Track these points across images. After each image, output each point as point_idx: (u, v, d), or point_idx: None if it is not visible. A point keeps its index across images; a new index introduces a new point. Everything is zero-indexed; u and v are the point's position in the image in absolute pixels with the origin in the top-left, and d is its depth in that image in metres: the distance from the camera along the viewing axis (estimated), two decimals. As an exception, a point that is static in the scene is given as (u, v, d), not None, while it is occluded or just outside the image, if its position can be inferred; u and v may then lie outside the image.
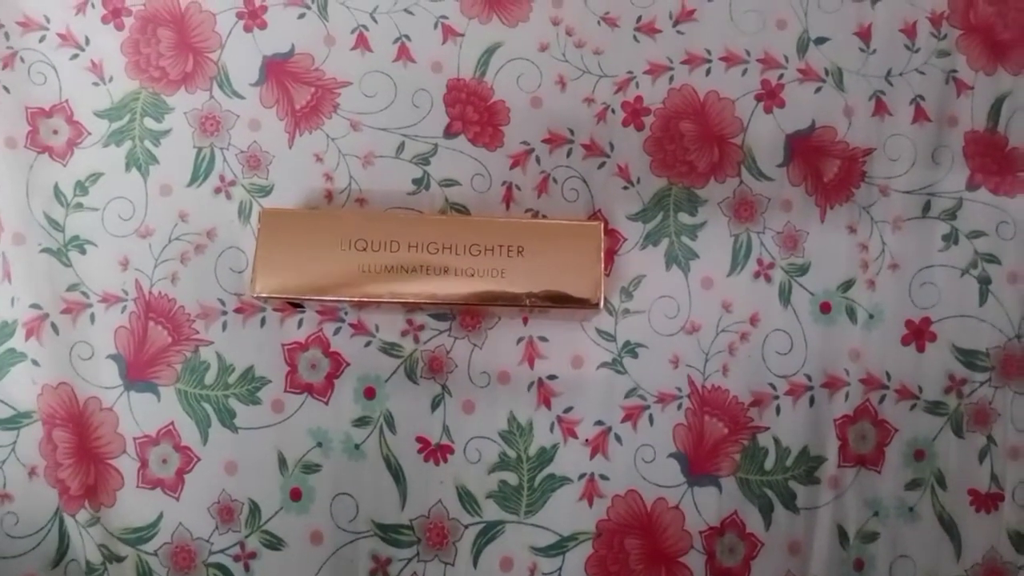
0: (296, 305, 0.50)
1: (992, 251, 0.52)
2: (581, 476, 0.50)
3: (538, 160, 0.52)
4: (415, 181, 0.52)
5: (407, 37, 0.53)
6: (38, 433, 0.49)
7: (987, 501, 0.51)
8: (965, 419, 0.51)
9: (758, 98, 0.53)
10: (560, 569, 0.49)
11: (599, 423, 0.50)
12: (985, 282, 0.52)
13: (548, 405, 0.50)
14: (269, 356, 0.50)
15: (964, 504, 0.51)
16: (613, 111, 0.53)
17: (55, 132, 0.51)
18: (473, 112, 0.52)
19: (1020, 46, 0.55)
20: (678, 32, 0.54)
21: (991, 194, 0.53)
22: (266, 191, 0.51)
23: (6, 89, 0.51)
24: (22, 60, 0.52)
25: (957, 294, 0.52)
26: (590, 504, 0.50)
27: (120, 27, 0.53)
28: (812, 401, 0.51)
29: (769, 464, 0.50)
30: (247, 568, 0.48)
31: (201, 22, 0.53)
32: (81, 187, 0.51)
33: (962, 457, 0.51)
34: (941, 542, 0.50)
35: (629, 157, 0.52)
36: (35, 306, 0.49)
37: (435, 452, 0.50)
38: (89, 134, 0.51)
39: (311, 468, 0.49)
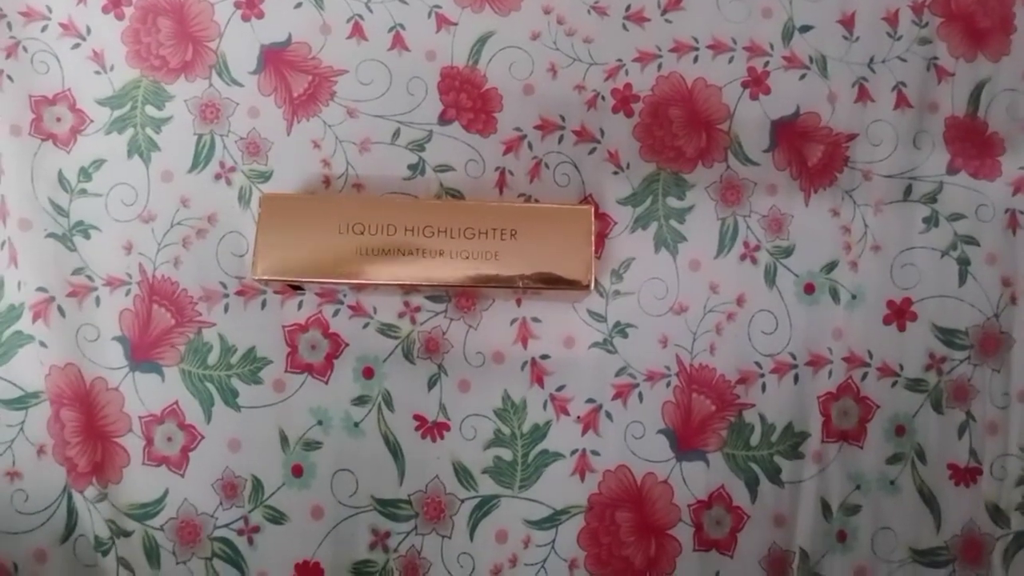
0: (296, 288, 0.51)
1: (971, 233, 0.54)
2: (573, 452, 0.51)
3: (530, 146, 0.54)
4: (411, 167, 0.53)
5: (402, 26, 0.54)
6: (46, 413, 0.50)
7: (966, 475, 0.52)
8: (945, 396, 0.53)
9: (744, 85, 0.55)
10: (553, 541, 0.51)
11: (590, 401, 0.52)
12: (964, 263, 0.54)
13: (541, 384, 0.52)
14: (270, 337, 0.51)
15: (944, 478, 0.52)
16: (603, 98, 0.54)
17: (58, 120, 0.52)
18: (467, 99, 0.54)
19: (999, 33, 0.57)
20: (666, 21, 0.55)
21: (971, 178, 0.55)
22: (265, 177, 0.52)
23: (10, 78, 0.52)
24: (25, 49, 0.53)
25: (937, 275, 0.54)
26: (582, 479, 0.51)
27: (121, 16, 0.54)
28: (796, 379, 0.52)
29: (755, 440, 0.52)
30: (251, 542, 0.50)
31: (200, 11, 0.54)
32: (85, 173, 0.52)
33: (942, 432, 0.53)
34: (921, 514, 0.52)
35: (619, 143, 0.54)
36: (42, 289, 0.51)
37: (432, 429, 0.51)
38: (92, 121, 0.53)
39: (312, 445, 0.50)
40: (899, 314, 0.53)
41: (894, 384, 0.53)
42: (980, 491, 0.52)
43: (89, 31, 0.53)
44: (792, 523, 0.52)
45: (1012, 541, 0.52)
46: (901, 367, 0.53)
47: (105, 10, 0.54)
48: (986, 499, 0.52)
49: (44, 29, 0.53)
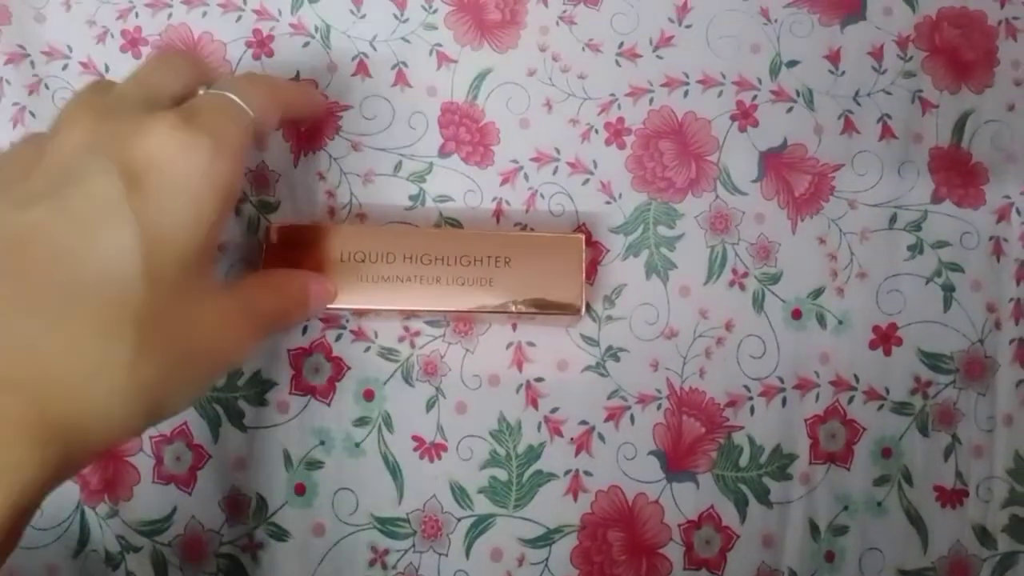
0: (300, 313, 0.53)
1: (956, 260, 0.56)
2: (566, 472, 0.53)
3: (526, 177, 0.56)
4: (411, 197, 0.55)
5: (404, 64, 0.57)
6: (61, 433, 0.52)
7: (952, 497, 0.54)
8: (930, 419, 0.54)
9: (733, 118, 0.57)
10: (547, 560, 0.52)
11: (583, 423, 0.53)
12: (949, 290, 0.55)
13: (536, 406, 0.53)
14: (275, 360, 0.53)
15: (930, 500, 0.54)
16: (596, 131, 0.56)
17: (78, 154, 0.55)
18: (466, 133, 0.56)
19: (983, 66, 0.58)
20: (658, 57, 0.57)
21: (955, 206, 0.56)
22: (273, 207, 0.55)
23: (32, 114, 0.55)
24: (47, 87, 0.56)
25: (922, 301, 0.55)
26: (575, 499, 0.53)
27: (137, 55, 0.56)
28: (784, 402, 0.54)
29: (744, 461, 0.53)
30: (255, 558, 0.52)
31: (212, 51, 0.57)
32: (102, 204, 0.54)
33: (928, 455, 0.54)
34: (909, 536, 0.53)
35: (611, 174, 0.56)
36: (59, 315, 0.53)
37: (430, 450, 0.53)
38: (109, 155, 0.55)
39: (314, 465, 0.52)
40: (885, 339, 0.55)
41: (880, 407, 0.54)
42: (967, 513, 0.53)
43: (107, 69, 0.56)
44: (781, 543, 0.53)
45: (999, 563, 0.53)
46: (887, 391, 0.54)
47: (123, 49, 0.57)
48: (972, 521, 0.53)
49: (65, 67, 0.56)
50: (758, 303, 0.55)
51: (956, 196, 0.56)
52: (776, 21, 0.58)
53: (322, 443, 0.53)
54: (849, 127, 0.57)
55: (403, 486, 0.52)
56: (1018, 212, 0.56)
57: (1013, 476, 0.54)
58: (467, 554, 0.52)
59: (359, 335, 0.54)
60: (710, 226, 0.55)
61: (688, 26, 0.58)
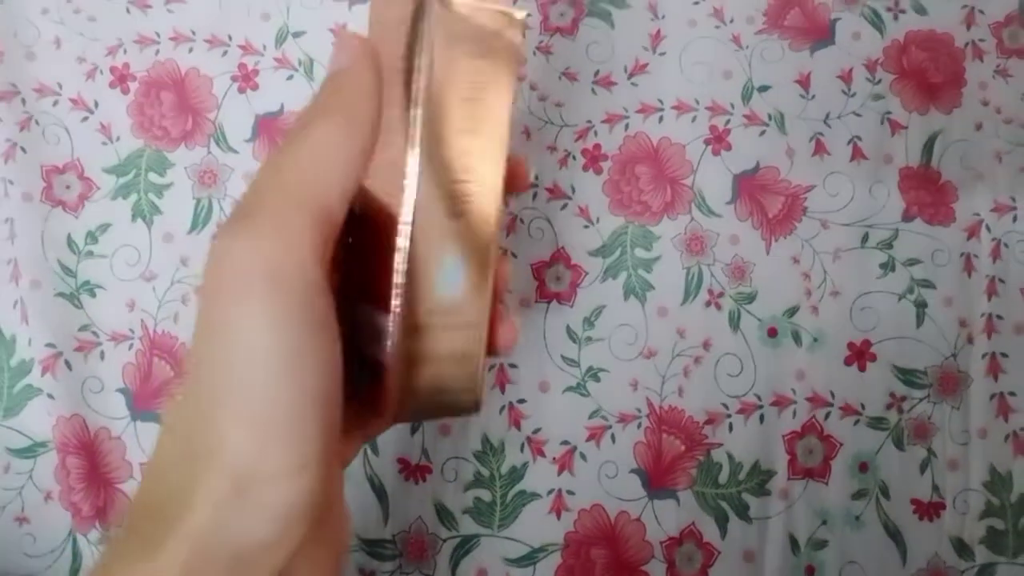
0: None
1: (928, 277, 0.57)
2: (549, 492, 0.54)
3: (507, 203, 0.57)
4: (394, 224, 0.56)
5: (386, 94, 0.58)
6: (53, 461, 0.53)
7: (929, 510, 0.54)
8: (906, 433, 0.55)
9: (707, 142, 0.58)
10: (531, 578, 0.53)
11: (565, 442, 0.54)
12: (922, 306, 0.56)
13: (518, 427, 0.54)
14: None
15: (908, 513, 0.54)
16: (574, 157, 0.58)
17: (68, 187, 0.56)
18: (447, 161, 0.57)
19: (951, 87, 0.60)
20: (632, 84, 0.59)
21: (926, 224, 0.57)
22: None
23: (23, 149, 0.56)
24: (37, 123, 0.57)
25: (895, 317, 0.56)
26: (558, 517, 0.54)
27: (126, 91, 0.58)
28: (762, 419, 0.55)
29: (723, 478, 0.54)
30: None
31: (199, 85, 0.58)
32: (92, 237, 0.56)
33: (904, 469, 0.55)
34: (887, 549, 0.54)
35: (589, 199, 0.57)
36: (50, 345, 0.54)
37: (415, 472, 0.54)
38: (98, 188, 0.57)
39: (301, 489, 0.53)
40: (859, 355, 0.56)
41: (856, 423, 0.55)
42: (944, 525, 0.54)
43: (97, 105, 0.58)
44: (761, 559, 0.54)
45: (976, 575, 0.54)
46: (863, 406, 0.55)
47: (112, 85, 0.58)
48: (950, 533, 0.54)
49: (55, 104, 0.57)
50: (734, 322, 0.56)
51: (926, 214, 0.58)
52: (748, 47, 0.59)
53: (309, 467, 0.53)
54: (820, 149, 0.58)
55: (389, 508, 0.53)
56: (988, 229, 0.57)
57: (989, 488, 0.55)
58: (452, 574, 0.53)
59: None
60: (686, 248, 0.57)
61: (662, 54, 0.59)
